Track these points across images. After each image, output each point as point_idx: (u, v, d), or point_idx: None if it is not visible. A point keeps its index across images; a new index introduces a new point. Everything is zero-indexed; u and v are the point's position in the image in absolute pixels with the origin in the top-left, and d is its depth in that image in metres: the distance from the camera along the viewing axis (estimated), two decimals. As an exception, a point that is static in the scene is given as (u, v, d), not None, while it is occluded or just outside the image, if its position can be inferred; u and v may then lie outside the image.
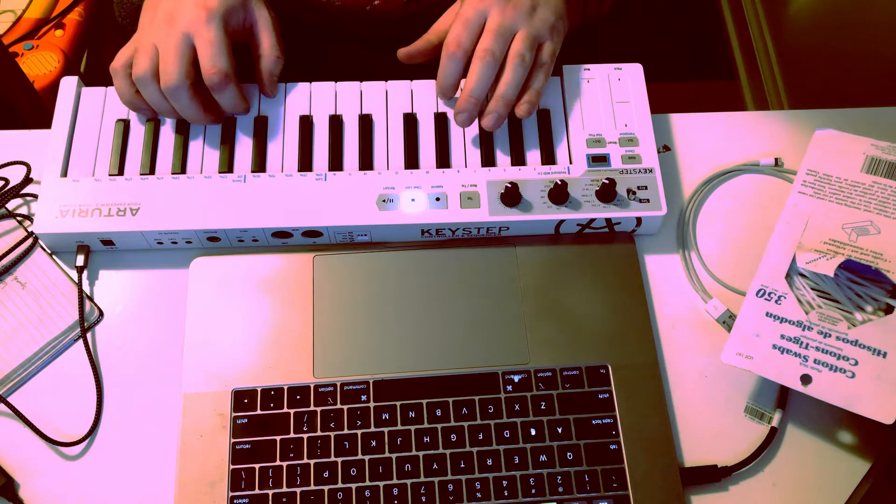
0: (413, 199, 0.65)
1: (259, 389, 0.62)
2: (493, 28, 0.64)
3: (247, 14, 0.67)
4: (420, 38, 0.70)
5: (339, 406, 0.61)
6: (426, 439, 0.60)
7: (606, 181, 0.65)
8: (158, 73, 0.63)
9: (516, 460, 0.60)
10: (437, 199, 0.65)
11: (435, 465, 0.60)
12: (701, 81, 1.73)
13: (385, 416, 0.61)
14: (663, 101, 0.82)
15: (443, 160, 0.68)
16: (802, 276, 0.63)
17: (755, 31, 1.66)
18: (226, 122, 0.69)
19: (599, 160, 0.68)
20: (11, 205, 0.70)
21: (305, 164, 0.67)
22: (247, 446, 0.60)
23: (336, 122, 0.69)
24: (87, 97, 0.69)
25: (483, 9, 0.65)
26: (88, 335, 0.65)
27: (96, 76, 0.71)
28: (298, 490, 0.59)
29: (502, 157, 0.68)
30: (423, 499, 0.59)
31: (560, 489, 0.59)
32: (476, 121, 0.68)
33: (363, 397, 0.62)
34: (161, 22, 0.64)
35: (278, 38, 0.68)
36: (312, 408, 0.61)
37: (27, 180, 0.69)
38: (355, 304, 0.65)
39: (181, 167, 0.67)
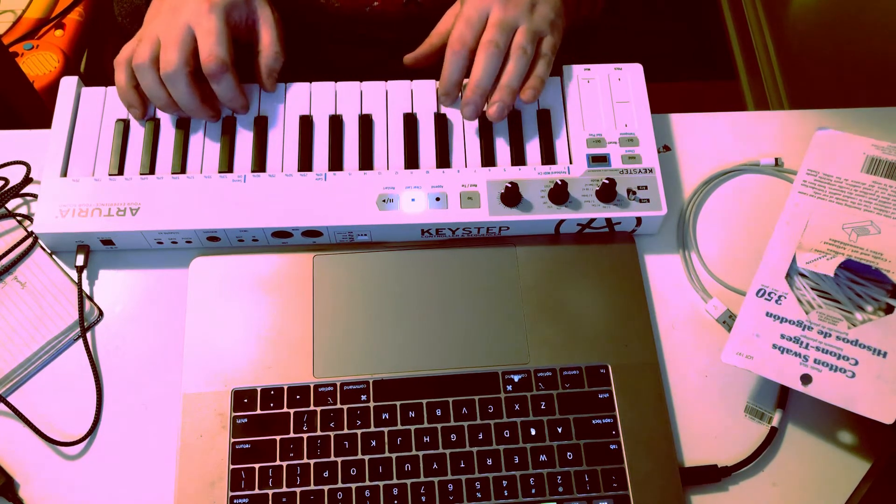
0: (413, 199, 0.65)
1: (259, 389, 0.62)
2: (495, 23, 0.66)
3: (249, 11, 0.67)
4: (423, 42, 0.71)
5: (339, 406, 0.61)
6: (426, 439, 0.60)
7: (606, 181, 0.65)
8: (158, 62, 0.64)
9: (516, 460, 0.60)
10: (437, 198, 0.65)
11: (435, 465, 0.60)
12: (701, 81, 1.73)
13: (385, 415, 0.61)
14: (663, 101, 0.82)
15: (443, 160, 0.68)
16: (802, 276, 0.63)
17: (755, 31, 1.66)
18: (225, 121, 0.69)
19: (599, 160, 0.68)
20: (11, 205, 0.70)
21: (305, 163, 0.67)
22: (247, 446, 0.60)
23: (336, 122, 0.69)
24: (86, 97, 0.69)
25: (484, 7, 0.66)
26: (88, 335, 0.65)
27: (96, 76, 0.71)
28: (298, 490, 0.59)
29: (502, 157, 0.68)
30: (423, 499, 0.59)
31: (560, 489, 0.59)
32: (475, 120, 0.68)
33: (363, 397, 0.62)
34: (165, 14, 0.65)
35: (280, 35, 0.68)
36: (312, 408, 0.61)
37: (27, 180, 0.69)
38: (355, 304, 0.65)
39: (181, 167, 0.67)
